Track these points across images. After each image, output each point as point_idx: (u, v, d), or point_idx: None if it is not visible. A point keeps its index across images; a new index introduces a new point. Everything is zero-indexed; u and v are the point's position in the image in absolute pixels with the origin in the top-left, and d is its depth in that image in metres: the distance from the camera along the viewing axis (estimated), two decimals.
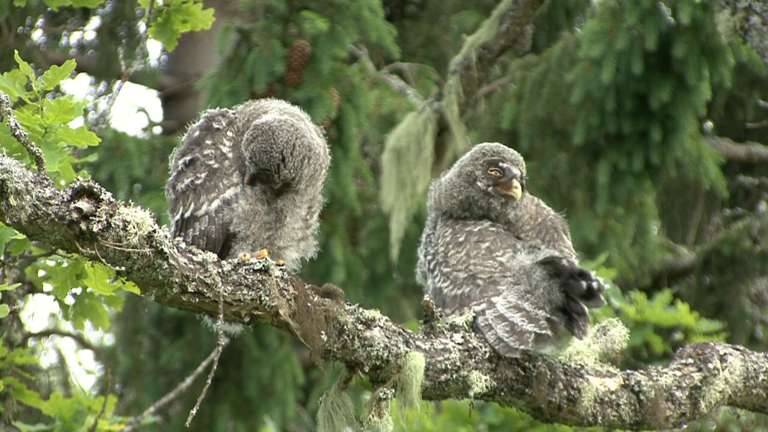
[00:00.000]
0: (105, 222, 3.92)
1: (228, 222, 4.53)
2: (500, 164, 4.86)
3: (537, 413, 4.66)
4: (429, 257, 4.87)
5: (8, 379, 5.75)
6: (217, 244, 4.51)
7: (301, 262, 4.68)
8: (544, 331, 4.44)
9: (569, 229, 4.98)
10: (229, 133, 4.62)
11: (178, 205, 4.58)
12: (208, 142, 4.60)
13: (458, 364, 4.48)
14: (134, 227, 3.96)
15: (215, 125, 4.62)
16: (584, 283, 4.44)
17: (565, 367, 4.67)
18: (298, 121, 4.56)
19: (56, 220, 3.89)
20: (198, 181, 4.55)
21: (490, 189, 4.85)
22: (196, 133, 4.62)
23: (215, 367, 4.28)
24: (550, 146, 10.08)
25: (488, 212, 4.87)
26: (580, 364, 4.72)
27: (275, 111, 4.60)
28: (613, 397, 4.70)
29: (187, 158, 4.60)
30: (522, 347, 4.43)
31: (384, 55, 11.42)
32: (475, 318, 4.59)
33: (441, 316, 4.57)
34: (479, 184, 4.86)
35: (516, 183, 4.83)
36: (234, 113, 4.69)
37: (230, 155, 4.58)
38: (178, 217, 4.58)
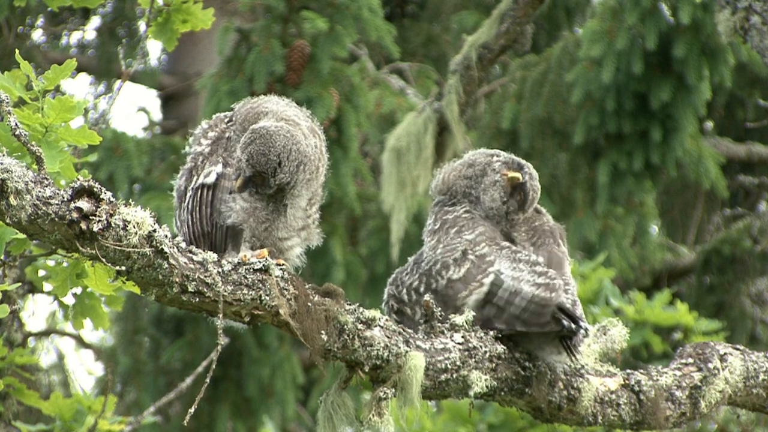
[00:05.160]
0: (105, 222, 3.92)
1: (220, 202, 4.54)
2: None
3: (537, 413, 4.66)
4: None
5: (8, 379, 5.75)
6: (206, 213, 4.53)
7: (305, 258, 4.67)
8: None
9: (570, 232, 4.99)
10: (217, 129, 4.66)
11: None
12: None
13: (458, 363, 4.48)
14: (134, 227, 3.97)
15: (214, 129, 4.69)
16: (580, 333, 4.51)
17: (565, 366, 4.68)
18: (294, 127, 4.57)
19: (56, 219, 3.89)
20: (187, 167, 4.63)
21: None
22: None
23: (213, 366, 4.28)
24: (550, 146, 10.08)
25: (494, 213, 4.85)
26: (580, 364, 4.72)
27: (272, 116, 4.60)
28: (613, 396, 4.70)
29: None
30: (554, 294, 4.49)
31: (384, 55, 11.41)
32: (491, 289, 4.58)
33: (441, 315, 4.57)
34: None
35: None
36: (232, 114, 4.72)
37: (211, 145, 4.62)
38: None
